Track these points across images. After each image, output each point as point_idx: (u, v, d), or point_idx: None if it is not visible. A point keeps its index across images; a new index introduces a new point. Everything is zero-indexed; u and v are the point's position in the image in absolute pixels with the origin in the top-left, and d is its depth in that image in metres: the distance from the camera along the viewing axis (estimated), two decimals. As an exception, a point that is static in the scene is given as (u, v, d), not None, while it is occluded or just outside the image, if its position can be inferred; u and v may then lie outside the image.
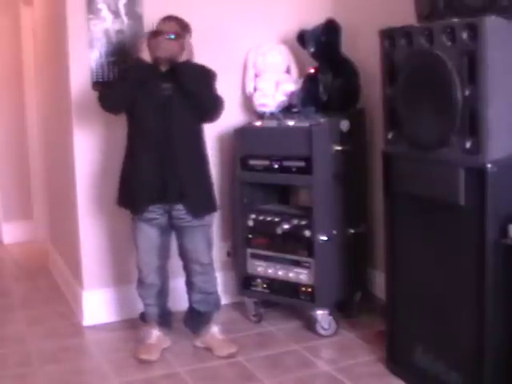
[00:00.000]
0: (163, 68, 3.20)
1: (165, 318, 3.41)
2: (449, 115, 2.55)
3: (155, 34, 3.17)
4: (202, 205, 3.28)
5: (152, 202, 3.20)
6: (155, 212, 3.22)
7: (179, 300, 3.56)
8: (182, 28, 3.23)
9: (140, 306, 3.46)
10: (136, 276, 3.40)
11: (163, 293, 3.39)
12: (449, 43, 2.53)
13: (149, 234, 3.27)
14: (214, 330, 3.41)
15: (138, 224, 3.27)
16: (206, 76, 3.26)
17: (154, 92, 3.16)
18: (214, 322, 3.43)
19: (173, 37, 3.15)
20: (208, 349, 3.37)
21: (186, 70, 3.17)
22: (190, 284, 3.40)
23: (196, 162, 3.28)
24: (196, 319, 3.43)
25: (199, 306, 3.39)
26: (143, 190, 3.20)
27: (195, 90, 3.17)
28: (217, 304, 3.44)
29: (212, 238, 3.40)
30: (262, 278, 3.67)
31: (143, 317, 3.43)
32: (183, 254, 3.36)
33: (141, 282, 3.35)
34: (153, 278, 3.31)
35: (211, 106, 3.23)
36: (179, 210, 3.21)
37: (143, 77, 3.14)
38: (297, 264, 3.53)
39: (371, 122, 3.75)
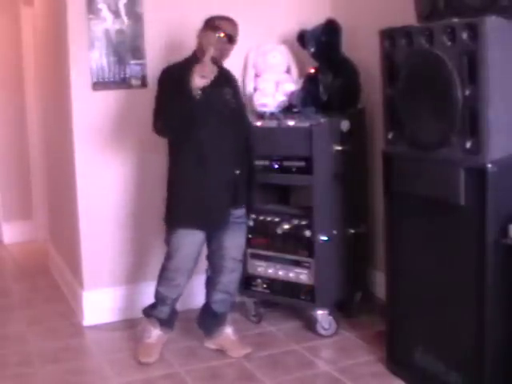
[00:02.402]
0: None
1: (171, 319, 3.35)
2: (449, 115, 2.55)
3: (214, 28, 3.09)
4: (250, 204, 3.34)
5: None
6: None
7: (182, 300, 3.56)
8: (237, 32, 3.18)
9: (143, 306, 3.43)
10: (137, 275, 3.38)
11: (181, 294, 3.32)
12: (449, 43, 2.53)
13: (196, 240, 3.19)
14: (228, 331, 3.38)
15: (183, 232, 3.16)
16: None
17: (219, 98, 3.12)
18: (228, 322, 3.41)
19: (230, 38, 3.11)
20: (221, 350, 3.34)
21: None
22: (213, 283, 3.33)
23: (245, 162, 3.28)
24: (211, 320, 3.38)
25: (217, 307, 3.35)
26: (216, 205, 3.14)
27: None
28: (232, 305, 3.43)
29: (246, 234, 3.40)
30: (262, 278, 3.67)
31: (149, 311, 3.33)
32: (216, 253, 3.29)
33: (169, 282, 3.23)
34: (183, 279, 3.24)
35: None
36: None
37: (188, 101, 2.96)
38: (297, 264, 3.53)
39: (371, 122, 3.75)
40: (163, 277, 3.26)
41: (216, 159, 3.12)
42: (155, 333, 3.31)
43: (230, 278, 3.32)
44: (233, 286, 3.36)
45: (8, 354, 3.43)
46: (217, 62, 3.06)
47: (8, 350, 3.50)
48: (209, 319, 3.38)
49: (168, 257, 3.23)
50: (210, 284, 3.36)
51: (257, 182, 3.38)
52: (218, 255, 3.29)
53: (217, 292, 3.33)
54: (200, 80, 2.89)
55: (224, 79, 3.19)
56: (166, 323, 3.33)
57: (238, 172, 3.19)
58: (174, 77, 3.07)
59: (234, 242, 3.29)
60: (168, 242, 3.23)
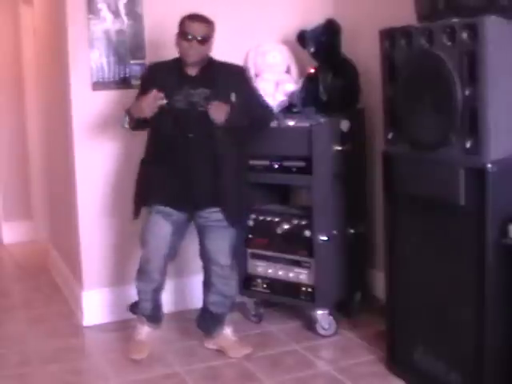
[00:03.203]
0: (192, 72, 3.16)
1: (155, 314, 3.37)
2: (449, 115, 2.55)
3: (184, 35, 3.10)
4: (236, 211, 3.25)
5: (175, 205, 3.18)
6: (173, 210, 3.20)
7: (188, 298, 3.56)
8: (210, 29, 3.16)
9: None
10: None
11: (159, 289, 3.35)
12: (449, 43, 2.53)
13: (163, 230, 3.20)
14: (227, 331, 3.39)
15: (153, 218, 3.19)
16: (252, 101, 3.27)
17: (187, 99, 3.11)
18: (227, 323, 3.41)
19: (203, 40, 3.10)
20: (221, 350, 3.34)
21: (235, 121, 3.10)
22: (208, 284, 3.34)
23: (234, 167, 3.23)
24: (209, 321, 3.38)
25: (214, 308, 3.35)
26: (167, 188, 3.17)
27: (245, 130, 3.22)
28: (232, 306, 3.42)
29: (234, 240, 3.30)
30: (262, 277, 3.67)
31: (133, 308, 3.40)
32: (204, 254, 3.31)
33: (143, 276, 3.28)
34: (157, 275, 3.26)
35: (267, 125, 3.39)
36: (208, 209, 3.20)
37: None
38: (297, 264, 3.53)
39: (371, 122, 3.75)
40: (139, 270, 3.31)
41: (179, 159, 3.15)
42: (144, 330, 3.35)
43: (222, 281, 3.29)
44: (227, 288, 3.32)
45: (8, 354, 3.43)
46: (198, 64, 3.14)
47: (8, 349, 3.50)
48: (207, 320, 3.39)
49: (141, 248, 3.29)
50: (206, 286, 3.36)
51: (247, 195, 3.34)
52: (206, 258, 3.30)
53: (212, 294, 3.33)
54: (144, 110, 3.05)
55: (204, 80, 3.14)
56: (152, 319, 3.35)
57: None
58: (151, 77, 3.21)
59: (215, 245, 3.24)
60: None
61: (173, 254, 3.31)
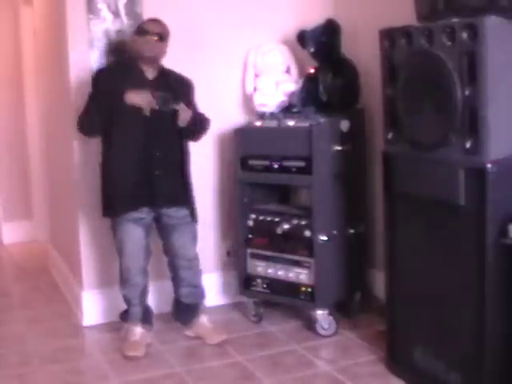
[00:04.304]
0: (150, 75, 3.29)
1: (147, 316, 3.47)
2: (449, 115, 2.55)
3: (142, 32, 3.25)
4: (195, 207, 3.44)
5: (140, 204, 3.29)
6: (143, 212, 3.30)
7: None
8: (165, 29, 3.31)
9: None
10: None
11: (145, 291, 3.44)
12: (449, 43, 2.53)
13: (136, 236, 3.32)
14: (203, 319, 3.51)
15: (123, 227, 3.30)
16: (196, 110, 3.40)
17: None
18: (202, 311, 3.52)
19: (159, 37, 3.24)
20: (199, 337, 3.47)
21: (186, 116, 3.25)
22: (177, 279, 3.48)
23: (183, 167, 3.38)
24: (184, 311, 3.52)
25: (187, 299, 3.49)
26: (130, 190, 3.27)
27: (196, 133, 3.41)
28: (203, 295, 3.54)
29: (197, 232, 3.47)
30: (262, 278, 3.67)
31: (124, 316, 3.46)
32: (169, 251, 3.44)
33: (126, 284, 3.38)
34: (139, 278, 3.36)
35: (203, 134, 3.49)
36: (170, 208, 3.33)
37: (114, 103, 3.18)
38: (297, 264, 3.53)
39: (371, 122, 3.75)
40: (122, 279, 3.40)
41: (141, 160, 3.26)
42: (138, 330, 3.41)
43: (190, 273, 3.45)
44: (196, 278, 3.48)
45: (8, 354, 3.43)
46: (155, 62, 3.29)
47: (8, 350, 3.50)
48: (182, 311, 3.53)
49: (119, 257, 3.38)
50: (175, 281, 3.49)
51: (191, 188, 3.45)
52: (172, 254, 3.44)
53: (183, 287, 3.47)
54: (133, 98, 3.15)
55: (163, 84, 3.28)
56: (144, 321, 3.44)
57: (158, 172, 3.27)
58: (106, 82, 3.28)
59: (182, 241, 3.40)
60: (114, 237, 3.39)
61: (148, 254, 3.42)
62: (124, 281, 3.38)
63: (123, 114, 3.18)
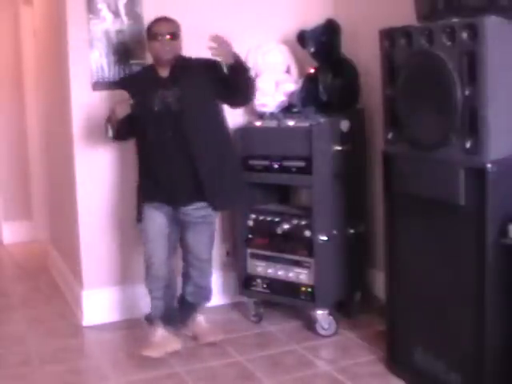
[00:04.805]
0: (164, 74, 3.26)
1: (170, 316, 3.38)
2: (449, 115, 2.55)
3: (154, 36, 3.22)
4: (223, 201, 3.37)
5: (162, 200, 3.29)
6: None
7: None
8: (176, 26, 3.28)
9: (143, 306, 3.47)
10: (137, 275, 3.39)
11: (171, 289, 3.39)
12: (449, 43, 2.53)
13: (158, 222, 3.29)
14: (200, 318, 3.51)
15: (147, 212, 3.29)
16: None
17: (162, 100, 3.20)
18: (200, 311, 3.52)
19: (172, 36, 3.21)
20: (194, 336, 3.47)
21: (241, 69, 3.19)
22: (186, 275, 3.48)
23: (217, 158, 3.30)
24: (186, 310, 3.51)
25: (190, 298, 3.49)
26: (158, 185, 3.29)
27: (246, 87, 3.29)
28: (207, 297, 3.53)
29: (214, 234, 3.44)
30: (262, 278, 3.66)
31: (149, 317, 3.38)
32: (184, 247, 3.43)
33: (149, 275, 3.33)
34: (162, 270, 3.31)
35: (252, 88, 3.39)
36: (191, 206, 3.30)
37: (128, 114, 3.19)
38: (297, 264, 3.53)
39: (371, 122, 3.74)
40: (145, 270, 3.37)
41: (161, 159, 3.24)
42: (158, 332, 3.33)
43: (199, 274, 3.44)
44: (204, 280, 3.46)
45: (8, 354, 3.44)
46: (175, 60, 3.24)
47: (8, 350, 3.50)
48: (184, 309, 3.51)
49: (144, 247, 3.37)
50: (185, 277, 3.49)
51: (237, 186, 3.43)
52: (186, 252, 3.43)
53: (190, 285, 3.47)
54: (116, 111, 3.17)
55: (176, 79, 3.24)
56: (166, 320, 3.35)
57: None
58: (127, 88, 3.30)
59: (196, 240, 3.36)
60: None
61: (173, 247, 3.39)
62: (146, 271, 3.34)
63: (145, 117, 3.22)
